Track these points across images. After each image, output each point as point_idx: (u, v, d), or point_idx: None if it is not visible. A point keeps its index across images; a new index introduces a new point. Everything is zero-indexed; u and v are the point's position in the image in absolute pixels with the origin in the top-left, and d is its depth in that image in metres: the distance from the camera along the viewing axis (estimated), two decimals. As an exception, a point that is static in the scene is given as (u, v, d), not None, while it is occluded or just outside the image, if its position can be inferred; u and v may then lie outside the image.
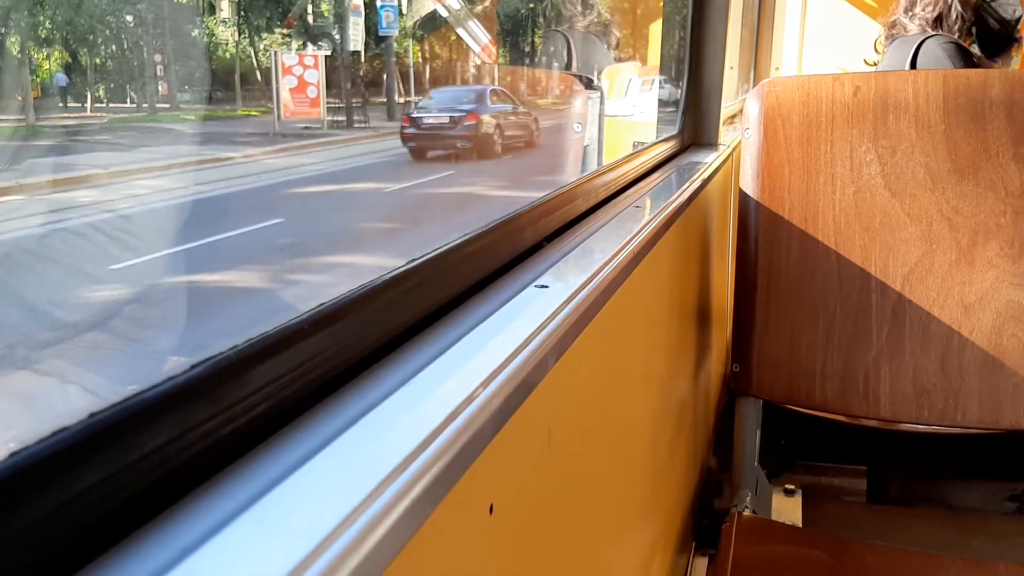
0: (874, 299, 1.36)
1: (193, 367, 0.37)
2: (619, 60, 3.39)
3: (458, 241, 0.63)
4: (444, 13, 4.24)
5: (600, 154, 2.17)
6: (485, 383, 0.48)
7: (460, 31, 4.15)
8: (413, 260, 0.56)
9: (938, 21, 2.11)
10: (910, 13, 2.16)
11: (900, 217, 1.35)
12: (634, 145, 2.03)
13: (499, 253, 0.68)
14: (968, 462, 1.83)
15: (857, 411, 1.39)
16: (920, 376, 1.35)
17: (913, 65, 2.06)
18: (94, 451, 0.31)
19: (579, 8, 3.20)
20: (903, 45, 2.11)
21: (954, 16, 2.10)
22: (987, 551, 1.68)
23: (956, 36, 2.11)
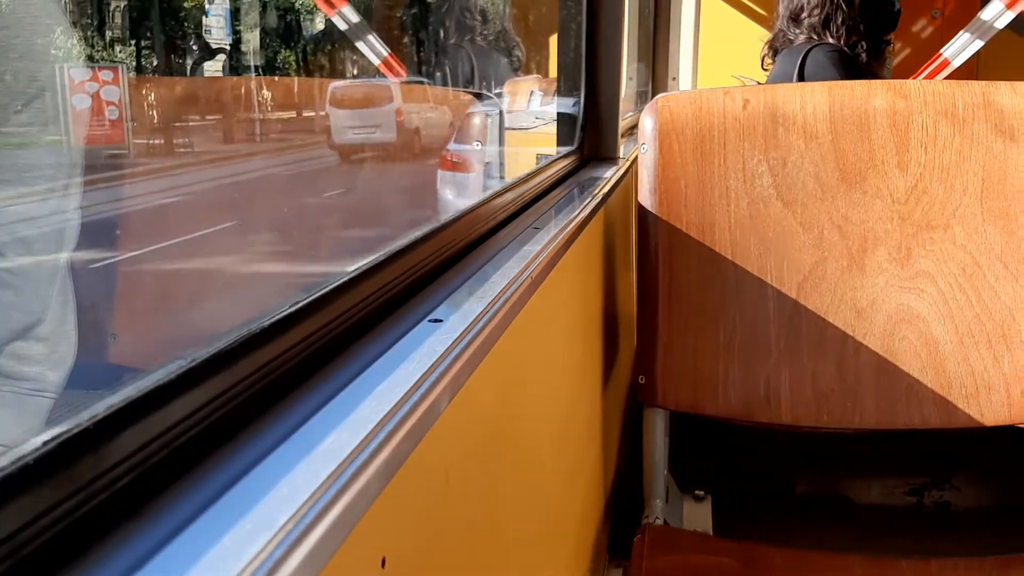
0: (771, 307, 1.39)
1: (46, 443, 0.34)
2: (522, 73, 3.41)
3: (346, 277, 0.61)
4: (342, 25, 4.17)
5: (503, 169, 2.18)
6: (372, 433, 0.46)
7: (359, 44, 4.10)
8: (296, 302, 0.54)
9: (826, 25, 2.17)
10: (796, 22, 2.21)
11: (793, 226, 1.38)
12: (538, 158, 2.04)
13: (390, 287, 0.67)
14: (870, 461, 1.88)
15: (760, 417, 1.42)
16: (818, 381, 1.39)
17: (801, 74, 2.12)
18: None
19: (480, 21, 3.20)
20: (789, 55, 2.17)
21: (841, 18, 2.16)
22: (891, 547, 1.74)
23: (843, 37, 2.17)
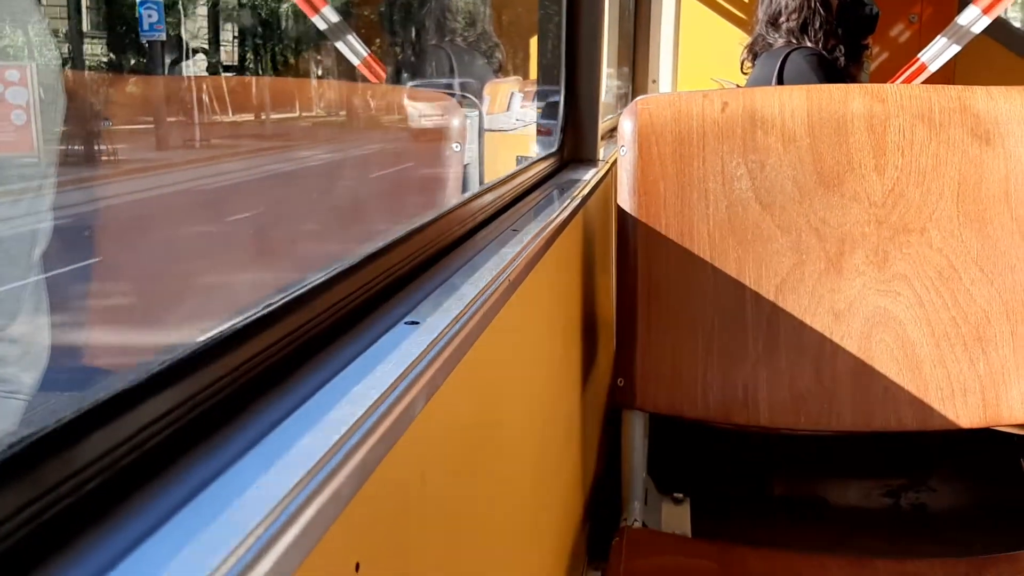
0: (749, 309, 1.39)
1: (11, 446, 0.33)
2: (503, 74, 3.41)
3: (322, 278, 0.61)
4: (322, 25, 4.15)
5: (482, 171, 2.17)
6: (346, 435, 0.46)
7: (339, 44, 4.09)
8: (271, 304, 0.53)
9: (804, 29, 2.18)
10: (775, 26, 2.22)
11: (771, 229, 1.39)
12: (517, 160, 2.04)
13: (366, 289, 0.66)
14: (847, 463, 1.90)
15: (738, 419, 1.42)
16: (796, 383, 1.39)
17: (780, 77, 2.13)
18: None
19: (460, 23, 3.20)
20: (769, 59, 2.18)
21: (819, 23, 2.17)
22: (867, 547, 1.75)
23: (821, 41, 2.18)
